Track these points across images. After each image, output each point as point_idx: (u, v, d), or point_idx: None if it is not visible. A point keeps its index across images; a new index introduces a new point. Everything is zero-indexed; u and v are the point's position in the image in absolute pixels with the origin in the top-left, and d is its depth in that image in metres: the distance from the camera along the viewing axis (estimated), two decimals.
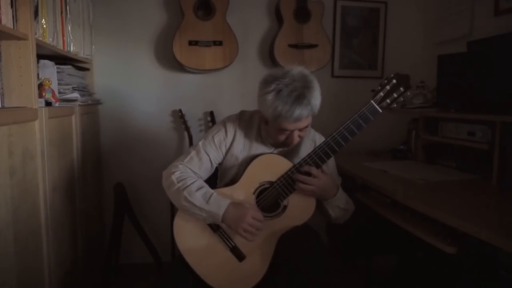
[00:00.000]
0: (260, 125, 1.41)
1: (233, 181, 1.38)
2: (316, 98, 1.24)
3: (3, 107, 1.30)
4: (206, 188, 1.31)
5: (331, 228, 2.36)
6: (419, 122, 2.15)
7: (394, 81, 1.28)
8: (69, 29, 1.76)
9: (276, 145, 1.40)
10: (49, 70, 1.61)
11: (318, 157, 1.29)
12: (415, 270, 2.05)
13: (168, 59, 2.36)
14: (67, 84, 1.76)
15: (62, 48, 1.69)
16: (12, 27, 1.24)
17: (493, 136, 1.63)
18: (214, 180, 1.49)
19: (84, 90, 1.97)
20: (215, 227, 1.32)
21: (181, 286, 1.29)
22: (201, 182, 1.33)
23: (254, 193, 1.34)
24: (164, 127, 2.44)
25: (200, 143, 1.41)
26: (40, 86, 1.51)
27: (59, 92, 1.69)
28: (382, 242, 2.06)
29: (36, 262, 1.36)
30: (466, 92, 1.87)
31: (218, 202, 1.26)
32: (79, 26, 1.95)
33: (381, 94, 1.28)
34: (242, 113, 1.47)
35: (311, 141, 1.46)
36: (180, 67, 2.32)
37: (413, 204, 1.40)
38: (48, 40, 1.54)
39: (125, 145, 2.40)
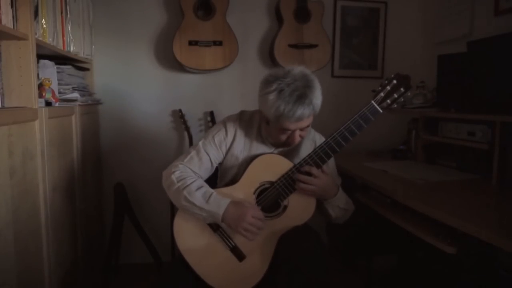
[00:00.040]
0: (260, 125, 1.41)
1: (233, 181, 1.38)
2: (317, 98, 1.24)
3: (3, 107, 1.30)
4: (206, 187, 1.31)
5: (331, 228, 2.36)
6: (419, 122, 2.15)
7: (395, 81, 1.28)
8: (69, 29, 1.76)
9: (276, 145, 1.40)
10: (49, 70, 1.61)
11: (318, 157, 1.29)
12: (415, 270, 2.04)
13: (168, 59, 2.36)
14: (67, 84, 1.77)
15: (62, 48, 1.70)
16: (12, 27, 1.24)
17: (493, 136, 1.63)
18: (214, 180, 1.49)
19: (84, 90, 1.97)
20: (215, 227, 1.32)
21: (181, 286, 1.29)
22: (201, 182, 1.33)
23: (254, 193, 1.34)
24: (164, 127, 2.44)
25: (200, 142, 1.41)
26: (40, 86, 1.51)
27: (59, 92, 1.69)
28: (382, 242, 2.06)
29: (36, 262, 1.36)
30: (466, 92, 1.87)
31: (218, 201, 1.26)
32: (79, 26, 1.95)
33: (382, 94, 1.28)
34: (242, 113, 1.47)
35: (311, 141, 1.46)
36: (180, 67, 2.32)
37: (413, 204, 1.40)
38: (48, 40, 1.54)
39: (125, 145, 2.40)
